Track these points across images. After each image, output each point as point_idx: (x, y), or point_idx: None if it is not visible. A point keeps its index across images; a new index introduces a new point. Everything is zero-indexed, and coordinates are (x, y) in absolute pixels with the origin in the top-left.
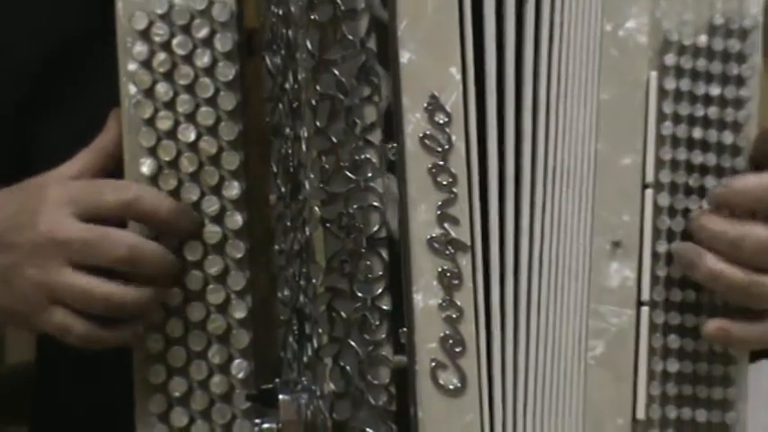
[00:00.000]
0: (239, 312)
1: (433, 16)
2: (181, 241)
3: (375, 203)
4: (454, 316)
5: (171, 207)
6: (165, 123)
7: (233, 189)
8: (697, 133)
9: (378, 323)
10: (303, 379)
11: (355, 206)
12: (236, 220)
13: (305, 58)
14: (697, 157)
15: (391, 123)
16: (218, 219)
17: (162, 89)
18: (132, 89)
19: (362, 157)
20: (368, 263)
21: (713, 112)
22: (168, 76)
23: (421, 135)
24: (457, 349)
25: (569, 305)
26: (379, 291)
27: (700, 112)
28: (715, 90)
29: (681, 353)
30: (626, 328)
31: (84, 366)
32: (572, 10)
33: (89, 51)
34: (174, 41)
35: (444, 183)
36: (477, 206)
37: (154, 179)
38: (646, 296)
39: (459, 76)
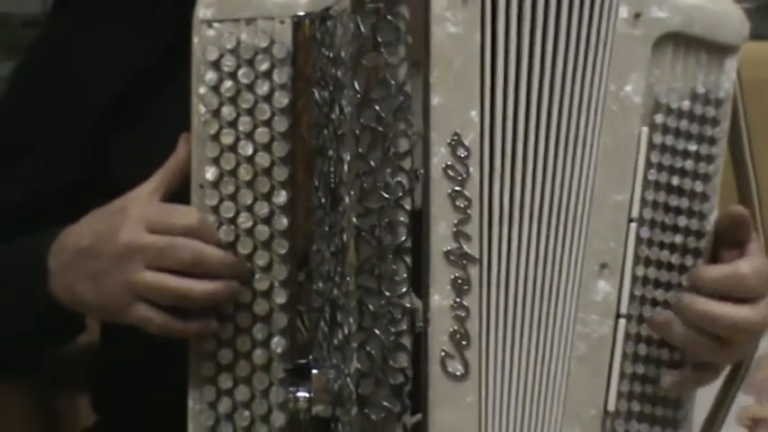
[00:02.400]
0: (280, 298)
1: (459, 69)
2: (235, 237)
3: (403, 219)
4: (463, 315)
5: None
6: (227, 139)
7: (281, 197)
8: (675, 180)
9: (400, 317)
10: (333, 358)
11: (387, 220)
12: (282, 222)
13: (351, 95)
14: (674, 200)
15: (420, 154)
16: (267, 220)
17: (227, 111)
18: (202, 109)
19: (395, 180)
20: (394, 267)
21: (689, 164)
22: (233, 101)
23: (444, 166)
24: (463, 342)
25: (561, 313)
26: (403, 290)
27: (679, 163)
28: (692, 147)
29: (647, 359)
30: (606, 335)
31: (141, 341)
32: (585, 73)
33: (163, 76)
34: (240, 72)
35: (461, 205)
36: (487, 226)
37: (216, 184)
38: (624, 310)
39: (477, 119)
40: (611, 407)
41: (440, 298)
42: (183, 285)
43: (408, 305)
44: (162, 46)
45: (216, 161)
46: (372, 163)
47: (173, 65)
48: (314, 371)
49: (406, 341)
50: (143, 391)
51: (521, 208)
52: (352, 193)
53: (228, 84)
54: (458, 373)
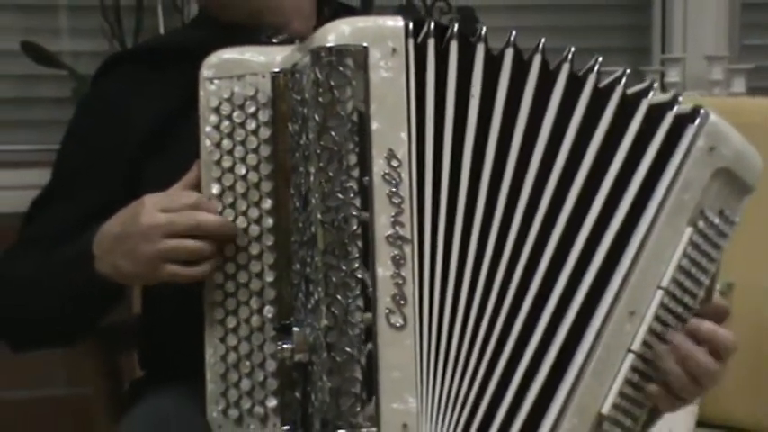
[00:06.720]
0: (269, 277)
1: (392, 103)
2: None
3: (354, 213)
4: (400, 282)
5: (215, 209)
6: (226, 163)
7: (267, 203)
8: (693, 270)
9: (354, 285)
10: (308, 318)
11: (342, 215)
12: (269, 222)
13: (313, 124)
14: (687, 282)
15: (365, 165)
16: (258, 221)
17: (225, 143)
18: (207, 143)
19: (348, 185)
20: (349, 248)
21: (704, 262)
22: (230, 135)
23: (382, 173)
24: (402, 302)
25: (589, 335)
26: (356, 266)
27: (698, 258)
28: (709, 250)
29: (639, 387)
30: (617, 361)
31: (171, 313)
32: (656, 176)
33: (176, 122)
34: (234, 114)
35: (396, 201)
36: (417, 216)
37: (219, 197)
38: (635, 348)
39: (406, 138)
40: (605, 411)
41: (383, 270)
42: (193, 243)
43: (360, 276)
44: (179, 98)
45: (219, 180)
46: (330, 173)
47: (187, 111)
48: (295, 329)
49: (360, 303)
50: (173, 349)
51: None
52: (316, 196)
53: (226, 123)
54: (398, 324)
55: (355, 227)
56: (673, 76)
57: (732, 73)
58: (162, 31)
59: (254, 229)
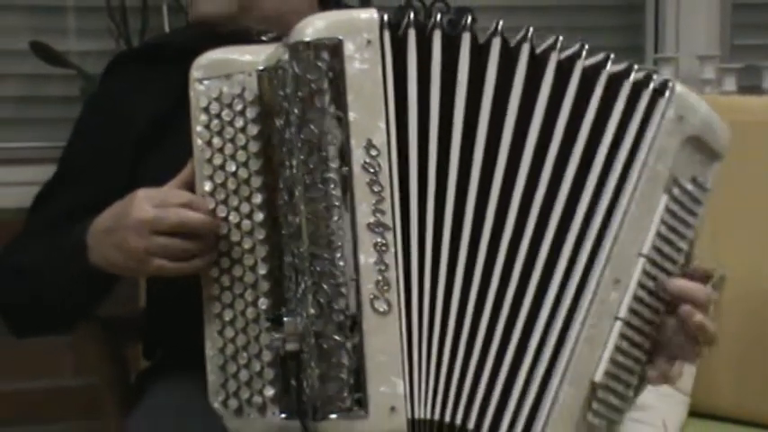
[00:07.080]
0: (262, 270)
1: (369, 93)
2: (228, 230)
3: (336, 203)
4: (383, 268)
5: (206, 208)
6: (218, 161)
7: (257, 198)
8: (671, 236)
9: (339, 273)
10: (298, 308)
11: (324, 205)
12: (259, 216)
13: (294, 119)
14: (665, 248)
15: (345, 155)
16: (249, 215)
17: (216, 141)
18: (199, 141)
19: (328, 176)
20: (332, 238)
21: (681, 228)
22: (220, 134)
23: (362, 163)
24: (385, 288)
25: (583, 305)
26: (339, 254)
27: (676, 226)
28: (685, 216)
29: (628, 353)
30: (606, 329)
31: (174, 304)
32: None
33: (174, 118)
34: (223, 113)
35: (376, 190)
36: (398, 203)
37: (212, 193)
38: (621, 315)
39: (384, 128)
40: (598, 378)
41: (365, 257)
42: (180, 242)
43: (343, 264)
44: (179, 95)
45: (211, 177)
46: (311, 165)
47: (180, 110)
48: (286, 319)
49: (344, 290)
50: (176, 341)
51: (435, 186)
52: (300, 188)
53: (216, 122)
54: (382, 310)
55: (337, 217)
56: (665, 75)
57: (723, 72)
58: (167, 30)
59: (247, 224)
